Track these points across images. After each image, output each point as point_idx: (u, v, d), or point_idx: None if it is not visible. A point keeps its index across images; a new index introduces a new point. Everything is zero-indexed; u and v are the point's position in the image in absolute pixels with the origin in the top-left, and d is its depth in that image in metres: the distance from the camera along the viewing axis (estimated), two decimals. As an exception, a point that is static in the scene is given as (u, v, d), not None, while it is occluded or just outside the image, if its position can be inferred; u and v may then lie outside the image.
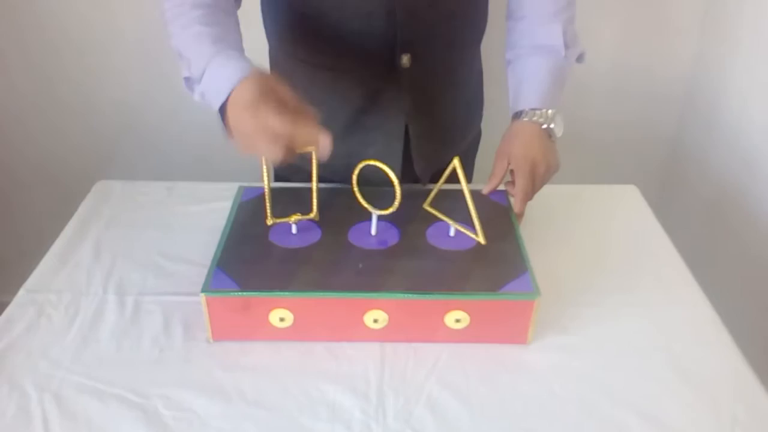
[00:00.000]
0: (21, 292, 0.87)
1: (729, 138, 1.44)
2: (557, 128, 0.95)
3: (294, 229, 0.85)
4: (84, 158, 1.64)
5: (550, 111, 0.94)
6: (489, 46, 1.09)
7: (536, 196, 0.93)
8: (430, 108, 1.01)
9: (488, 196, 0.94)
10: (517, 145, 0.93)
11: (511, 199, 0.94)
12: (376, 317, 0.77)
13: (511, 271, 0.79)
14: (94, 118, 1.61)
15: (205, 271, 0.78)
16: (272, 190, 0.84)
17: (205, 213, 1.01)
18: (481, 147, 1.23)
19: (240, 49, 0.81)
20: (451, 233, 0.86)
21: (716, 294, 0.91)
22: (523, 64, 0.99)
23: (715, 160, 1.50)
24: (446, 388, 0.74)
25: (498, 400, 0.73)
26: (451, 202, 0.88)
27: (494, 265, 0.81)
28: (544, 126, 0.94)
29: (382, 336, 0.79)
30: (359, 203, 0.85)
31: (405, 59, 0.93)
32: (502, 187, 0.96)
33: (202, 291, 0.76)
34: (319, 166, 0.82)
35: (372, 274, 0.79)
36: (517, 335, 0.79)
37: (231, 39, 0.81)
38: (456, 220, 0.85)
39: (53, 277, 0.89)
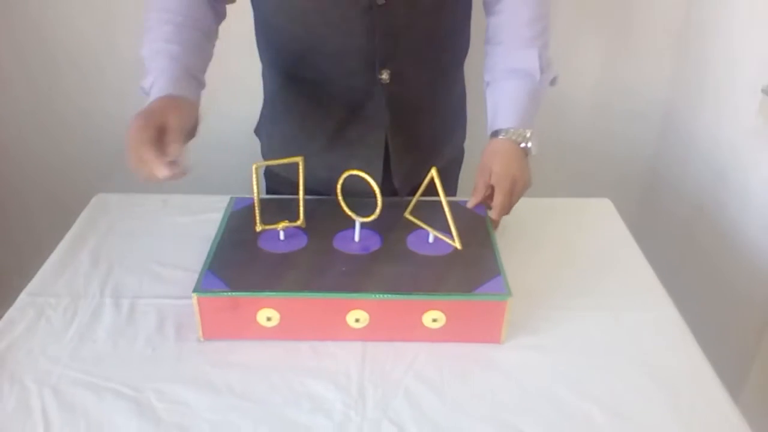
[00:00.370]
0: (22, 296, 0.91)
1: (704, 155, 1.50)
2: (533, 147, 1.00)
3: (282, 236, 0.90)
4: (82, 172, 1.68)
5: (527, 131, 0.99)
6: (474, 68, 1.13)
7: (514, 208, 0.99)
8: (409, 123, 1.06)
9: (466, 207, 0.99)
10: (497, 163, 0.97)
11: (488, 212, 0.99)
12: (357, 317, 0.82)
13: (485, 274, 0.84)
14: (93, 133, 1.64)
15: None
16: (261, 200, 0.89)
17: (198, 223, 1.06)
18: (464, 165, 1.27)
19: (194, 68, 0.91)
20: (431, 240, 0.91)
21: (682, 299, 0.95)
22: (501, 87, 1.04)
23: (690, 176, 1.56)
24: (423, 383, 0.78)
25: (472, 395, 0.77)
26: (431, 212, 0.93)
27: (469, 268, 0.86)
28: (522, 144, 0.99)
29: (364, 335, 0.83)
30: (343, 212, 0.90)
31: (385, 75, 0.99)
32: None
33: (194, 291, 0.80)
34: (305, 177, 0.88)
35: (354, 276, 0.84)
36: (491, 334, 0.84)
37: (186, 59, 0.91)
38: (435, 228, 0.91)
39: (53, 281, 0.94)
